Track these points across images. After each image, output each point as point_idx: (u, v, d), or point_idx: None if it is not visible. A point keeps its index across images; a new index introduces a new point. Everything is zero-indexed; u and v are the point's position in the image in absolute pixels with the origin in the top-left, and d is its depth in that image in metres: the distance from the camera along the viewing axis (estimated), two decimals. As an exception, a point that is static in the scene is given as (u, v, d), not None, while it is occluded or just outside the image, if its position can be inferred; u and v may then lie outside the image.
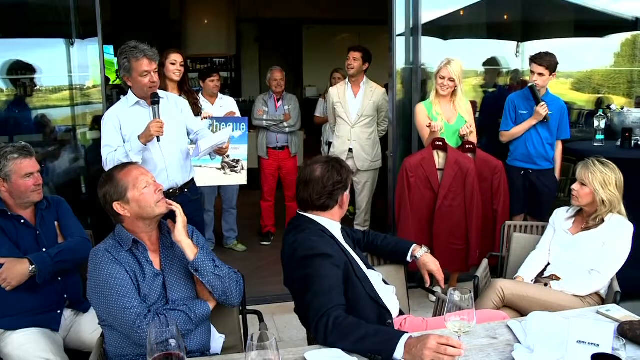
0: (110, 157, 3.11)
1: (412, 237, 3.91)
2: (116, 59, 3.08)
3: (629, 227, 2.93)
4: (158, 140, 3.10)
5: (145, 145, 3.09)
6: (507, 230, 3.34)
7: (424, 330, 2.16)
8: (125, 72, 3.15)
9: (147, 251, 2.15)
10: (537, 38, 6.08)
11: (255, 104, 5.56)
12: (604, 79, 6.29)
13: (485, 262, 3.19)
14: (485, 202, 4.01)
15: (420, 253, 2.59)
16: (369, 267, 2.43)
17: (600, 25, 5.83)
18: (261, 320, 2.53)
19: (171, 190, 3.23)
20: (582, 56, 6.09)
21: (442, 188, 3.91)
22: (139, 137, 3.08)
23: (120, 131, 3.16)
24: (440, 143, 3.92)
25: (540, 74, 3.95)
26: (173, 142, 3.24)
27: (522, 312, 2.74)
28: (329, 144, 5.33)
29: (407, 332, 1.89)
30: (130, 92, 3.23)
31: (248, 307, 2.54)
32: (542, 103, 3.93)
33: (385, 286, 2.42)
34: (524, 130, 4.06)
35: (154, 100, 3.14)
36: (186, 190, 3.35)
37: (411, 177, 3.94)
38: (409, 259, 2.63)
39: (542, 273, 3.09)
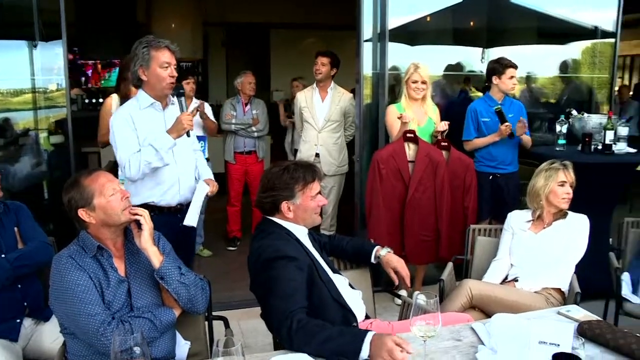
0: (134, 160, 2.82)
1: (383, 229, 3.96)
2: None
3: (587, 220, 3.10)
4: (188, 135, 2.92)
5: (175, 141, 2.85)
6: (471, 234, 3.39)
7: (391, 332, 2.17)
8: (142, 63, 2.85)
9: (112, 257, 2.11)
10: (501, 44, 6.19)
11: (224, 108, 5.54)
12: (568, 83, 6.42)
13: (450, 265, 3.23)
14: (456, 198, 4.07)
15: (384, 252, 2.61)
16: (335, 271, 2.44)
17: (562, 33, 5.96)
18: (227, 326, 2.51)
19: (179, 206, 3.04)
20: (547, 62, 6.21)
21: (413, 180, 3.95)
22: (167, 132, 2.85)
23: (136, 133, 2.88)
24: (412, 135, 3.96)
25: (513, 77, 4.10)
26: (186, 152, 3.04)
27: (488, 313, 2.78)
28: (296, 151, 5.33)
29: (371, 331, 1.90)
30: (142, 93, 2.94)
31: (214, 313, 2.53)
32: (507, 123, 4.03)
33: (352, 290, 2.43)
34: (486, 143, 4.16)
35: (180, 92, 2.96)
36: None
37: (382, 169, 3.96)
38: (373, 260, 2.64)
39: (506, 277, 3.15)
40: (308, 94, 4.95)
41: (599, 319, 2.19)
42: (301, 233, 2.36)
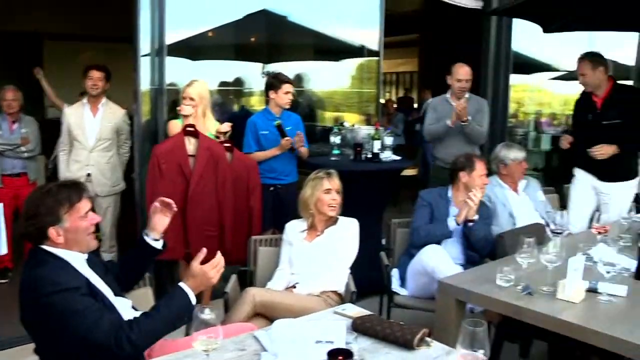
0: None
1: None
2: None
3: (356, 223, 3.32)
4: None
5: None
6: (253, 245, 3.46)
7: (175, 351, 2.16)
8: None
9: None
10: (281, 60, 6.46)
11: (-15, 128, 4.98)
12: (343, 98, 6.90)
13: (234, 277, 3.27)
14: (241, 199, 4.06)
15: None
16: (117, 294, 2.35)
17: (335, 50, 6.38)
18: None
19: None
20: (325, 77, 6.61)
21: (195, 174, 3.83)
22: None
23: None
24: (192, 129, 3.87)
25: (294, 94, 4.32)
26: None
27: (273, 320, 2.87)
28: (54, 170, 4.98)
29: (180, 282, 2.13)
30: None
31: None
32: (287, 138, 4.19)
33: (134, 312, 2.36)
34: (268, 157, 4.28)
35: None
36: None
37: (162, 164, 3.79)
38: (157, 245, 2.57)
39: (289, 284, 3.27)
40: (78, 110, 4.61)
41: (371, 313, 2.38)
42: (77, 260, 2.19)
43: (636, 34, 7.85)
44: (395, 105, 10.94)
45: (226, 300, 3.07)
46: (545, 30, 4.75)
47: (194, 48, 5.31)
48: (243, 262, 3.59)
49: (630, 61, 9.17)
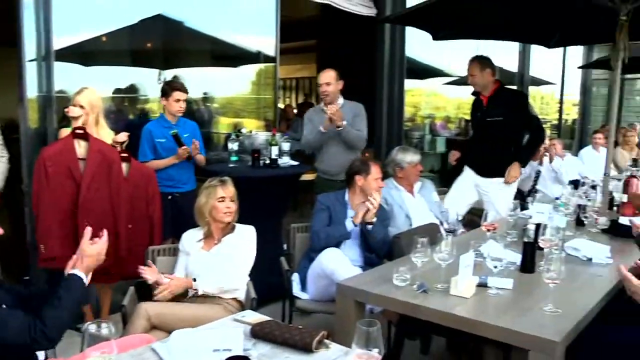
0: None
1: (55, 234, 3.60)
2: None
3: (253, 230, 3.31)
4: None
5: None
6: (151, 255, 3.35)
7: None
8: None
9: None
10: (179, 66, 6.33)
11: None
12: (243, 104, 6.87)
13: (132, 289, 3.16)
14: (140, 209, 3.94)
15: None
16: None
17: (233, 56, 6.34)
18: None
19: None
20: (224, 83, 6.54)
21: (85, 177, 3.66)
22: None
23: None
24: (82, 132, 3.70)
25: (186, 101, 4.23)
26: None
27: (172, 331, 2.80)
28: None
29: (74, 270, 2.15)
30: None
31: None
32: (185, 147, 4.15)
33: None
34: (165, 165, 4.22)
35: None
36: None
37: (49, 167, 3.59)
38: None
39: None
40: None
41: (269, 319, 2.38)
42: None
43: (517, 43, 8.40)
44: (295, 111, 11.01)
45: (124, 314, 2.97)
46: (435, 38, 4.96)
47: (86, 53, 5.10)
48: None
49: (514, 68, 9.78)
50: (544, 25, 5.13)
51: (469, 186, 4.90)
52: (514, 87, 10.07)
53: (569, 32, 5.12)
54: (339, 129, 4.44)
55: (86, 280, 2.16)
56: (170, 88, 4.20)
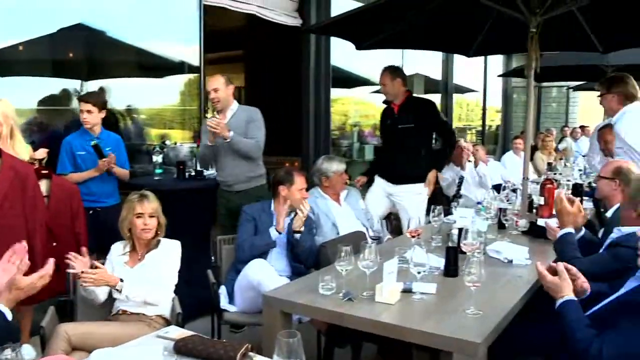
0: None
1: None
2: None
3: (178, 245, 3.26)
4: None
5: None
6: (72, 273, 3.24)
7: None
8: None
9: None
10: (102, 77, 6.16)
11: None
12: (171, 116, 6.75)
13: (52, 309, 3.03)
14: (66, 226, 3.79)
15: None
16: None
17: (157, 67, 6.22)
18: None
19: None
20: (150, 94, 6.41)
21: None
22: None
23: None
24: None
25: (89, 111, 4.06)
26: None
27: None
28: None
29: None
30: None
31: None
32: (105, 159, 4.03)
33: None
34: (85, 178, 4.09)
35: None
36: None
37: None
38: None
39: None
40: None
41: (193, 334, 2.34)
42: None
43: (441, 53, 8.64)
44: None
45: (42, 336, 2.83)
46: (358, 48, 5.04)
47: (1, 63, 4.89)
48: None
49: (438, 76, 10.06)
50: (463, 35, 5.31)
51: (381, 196, 4.97)
52: (439, 95, 10.41)
53: (486, 42, 5.31)
54: (226, 141, 4.19)
55: (9, 315, 2.03)
56: (79, 99, 4.10)
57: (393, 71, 4.82)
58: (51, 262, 2.21)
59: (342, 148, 8.78)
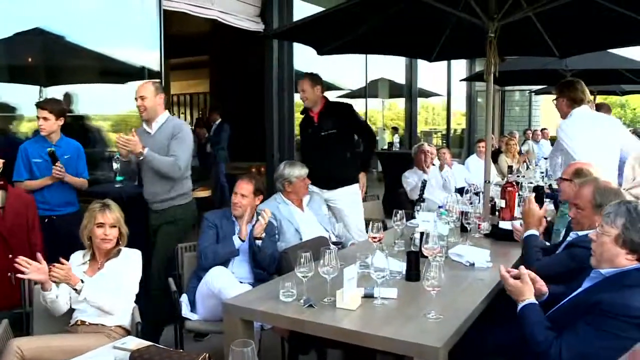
0: None
1: None
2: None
3: (139, 254, 3.22)
4: None
5: None
6: (27, 284, 3.16)
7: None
8: None
9: None
10: (62, 83, 6.04)
11: None
12: (135, 121, 6.65)
13: (5, 322, 2.94)
14: (21, 239, 3.75)
15: None
16: None
17: (118, 72, 6.13)
18: None
19: None
20: (113, 100, 6.30)
21: None
22: None
23: None
24: None
25: (45, 118, 3.98)
26: None
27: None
28: None
29: None
30: None
31: None
32: (59, 166, 3.94)
33: None
34: (40, 186, 3.99)
35: None
36: None
37: None
38: None
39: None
40: None
41: (150, 344, 2.31)
42: None
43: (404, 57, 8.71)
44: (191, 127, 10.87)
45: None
46: (319, 53, 5.03)
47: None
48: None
49: (402, 80, 10.13)
50: (424, 40, 5.35)
51: (320, 203, 4.93)
52: (402, 99, 10.50)
53: (448, 47, 5.36)
54: (140, 158, 3.91)
55: None
56: (35, 105, 4.03)
57: (313, 78, 4.78)
58: None
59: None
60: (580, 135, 4.17)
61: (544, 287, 2.55)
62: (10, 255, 3.70)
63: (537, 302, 2.39)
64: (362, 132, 5.08)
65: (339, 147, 4.79)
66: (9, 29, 5.02)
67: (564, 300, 2.48)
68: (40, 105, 4.03)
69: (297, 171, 4.19)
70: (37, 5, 5.02)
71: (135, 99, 4.10)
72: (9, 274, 3.72)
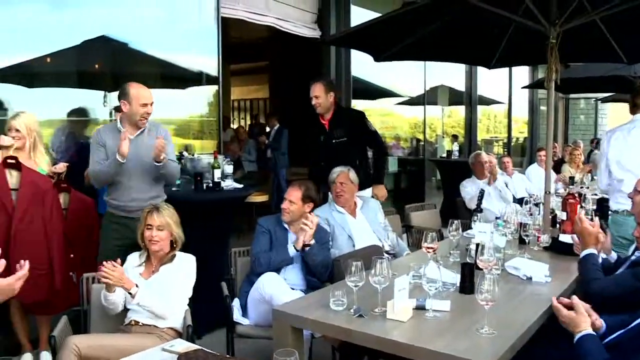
0: None
1: None
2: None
3: (193, 259, 3.27)
4: None
5: None
6: (85, 283, 3.26)
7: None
8: None
9: None
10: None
11: None
12: (200, 126, 6.81)
13: (64, 319, 3.04)
14: (82, 236, 3.90)
15: None
16: None
17: (178, 78, 6.28)
18: None
19: None
20: (174, 105, 6.46)
21: (18, 209, 3.56)
22: None
23: None
24: (13, 161, 3.60)
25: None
26: None
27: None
28: None
29: None
30: None
31: None
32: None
33: None
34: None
35: None
36: None
37: None
38: None
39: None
40: None
41: (198, 347, 2.33)
42: None
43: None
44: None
45: (52, 346, 2.84)
46: (376, 60, 5.00)
47: (29, 74, 4.98)
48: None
49: (462, 87, 9.97)
50: (483, 47, 5.24)
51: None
52: (462, 107, 10.32)
53: (507, 53, 5.23)
54: (159, 163, 3.62)
55: None
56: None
57: (327, 84, 4.72)
58: (26, 264, 2.23)
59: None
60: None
61: (598, 320, 2.41)
62: (72, 255, 3.84)
63: (594, 333, 2.26)
64: (371, 143, 4.99)
65: (350, 155, 4.72)
66: (78, 37, 5.22)
67: (633, 324, 2.34)
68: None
69: (332, 175, 4.23)
70: (103, 15, 5.20)
71: (144, 104, 3.69)
72: (70, 273, 3.87)
